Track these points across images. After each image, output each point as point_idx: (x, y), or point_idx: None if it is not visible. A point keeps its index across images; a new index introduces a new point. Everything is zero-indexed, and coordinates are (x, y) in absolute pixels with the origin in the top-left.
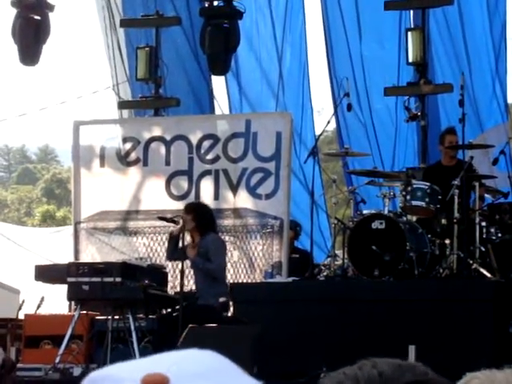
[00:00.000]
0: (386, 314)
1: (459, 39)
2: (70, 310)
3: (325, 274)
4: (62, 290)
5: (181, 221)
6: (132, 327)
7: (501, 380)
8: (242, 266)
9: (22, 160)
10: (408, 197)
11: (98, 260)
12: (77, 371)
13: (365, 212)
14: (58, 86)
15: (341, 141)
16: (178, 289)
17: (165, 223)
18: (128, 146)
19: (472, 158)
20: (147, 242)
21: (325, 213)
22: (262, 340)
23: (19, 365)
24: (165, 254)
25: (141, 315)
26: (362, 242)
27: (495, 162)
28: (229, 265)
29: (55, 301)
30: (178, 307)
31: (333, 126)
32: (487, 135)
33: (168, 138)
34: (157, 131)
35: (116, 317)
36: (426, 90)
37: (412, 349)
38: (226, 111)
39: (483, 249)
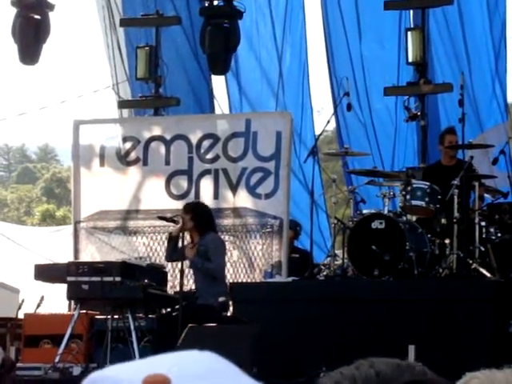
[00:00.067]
0: (385, 314)
1: (459, 39)
2: (69, 310)
3: (324, 273)
4: (61, 289)
5: (180, 221)
6: (132, 327)
7: (500, 380)
8: (242, 265)
9: (21, 159)
10: (408, 196)
11: (98, 259)
12: (76, 371)
13: (364, 212)
14: (58, 85)
15: (340, 140)
16: (178, 288)
17: (164, 223)
18: (128, 145)
19: (472, 157)
20: (147, 241)
21: (324, 212)
22: (261, 340)
23: (19, 364)
24: (164, 254)
25: (140, 315)
26: (361, 242)
27: (495, 161)
28: (228, 264)
29: (55, 300)
30: (177, 307)
31: (333, 125)
32: (487, 135)
33: (168, 137)
34: (157, 131)
35: (116, 316)
36: (426, 89)
37: (412, 348)
38: (226, 111)
39: (483, 249)
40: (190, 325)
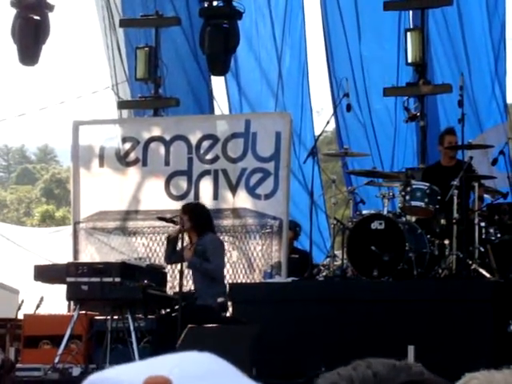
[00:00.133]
0: (385, 315)
1: (458, 40)
2: (69, 310)
3: (324, 274)
4: (61, 290)
5: (177, 222)
6: (131, 327)
7: (499, 380)
8: (241, 266)
9: (21, 160)
10: (407, 197)
11: (97, 260)
12: (76, 371)
13: (364, 212)
14: (58, 86)
15: (340, 141)
16: (178, 289)
17: (164, 223)
18: (127, 146)
19: (471, 158)
20: (146, 242)
21: (324, 213)
22: (260, 340)
23: (18, 365)
24: (163, 256)
25: (140, 315)
26: (361, 243)
27: (494, 162)
28: (228, 265)
29: (54, 301)
30: (176, 307)
31: (332, 126)
32: (486, 135)
33: (167, 138)
34: (156, 131)
35: (115, 317)
36: (425, 90)
37: (411, 349)
38: (226, 111)
39: (482, 249)
40: (189, 325)
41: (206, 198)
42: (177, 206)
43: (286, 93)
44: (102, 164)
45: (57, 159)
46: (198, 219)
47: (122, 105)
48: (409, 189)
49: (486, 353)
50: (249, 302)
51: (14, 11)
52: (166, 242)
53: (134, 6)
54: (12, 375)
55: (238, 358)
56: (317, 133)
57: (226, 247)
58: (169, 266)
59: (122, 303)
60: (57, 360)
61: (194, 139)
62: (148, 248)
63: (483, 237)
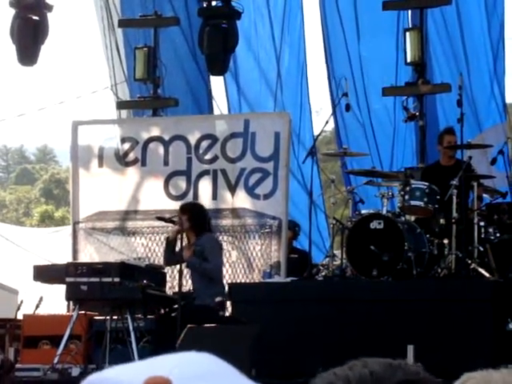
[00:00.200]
0: (384, 314)
1: (457, 39)
2: (68, 311)
3: (323, 274)
4: (60, 290)
5: (177, 222)
6: (130, 327)
7: (497, 380)
8: (241, 266)
9: (20, 160)
10: (406, 197)
11: (97, 260)
12: (75, 371)
13: (363, 212)
14: (57, 86)
15: (339, 141)
16: (177, 289)
17: (163, 223)
18: (126, 146)
19: (470, 157)
20: (145, 242)
21: (323, 213)
22: (260, 340)
23: (18, 365)
24: (163, 257)
25: (139, 315)
26: (360, 242)
27: (493, 161)
28: (227, 265)
29: (54, 301)
30: (175, 306)
31: (331, 126)
32: (485, 135)
33: (166, 138)
34: (155, 131)
35: (114, 317)
36: (424, 89)
37: (410, 349)
38: (225, 111)
39: (482, 249)
40: (189, 325)
41: (205, 197)
42: (176, 206)
43: (284, 93)
44: (101, 164)
45: (56, 159)
46: (197, 219)
47: (121, 105)
48: (408, 188)
49: (485, 352)
50: (248, 302)
51: (12, 11)
52: (164, 244)
53: (132, 6)
54: (11, 375)
55: (238, 357)
56: (316, 132)
57: (226, 247)
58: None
59: (121, 303)
60: (56, 360)
61: (192, 139)
62: (147, 248)
63: (482, 236)
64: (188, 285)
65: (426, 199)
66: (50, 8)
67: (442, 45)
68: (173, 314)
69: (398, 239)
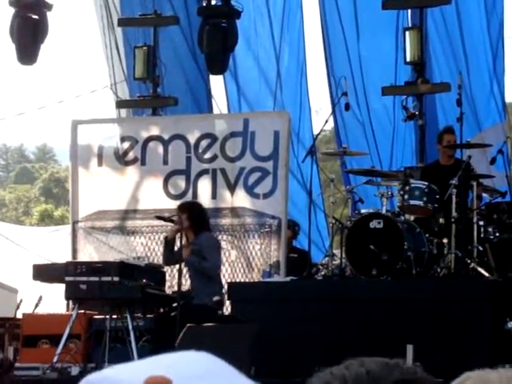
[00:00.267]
0: (383, 314)
1: (457, 38)
2: (67, 310)
3: (323, 273)
4: (59, 289)
5: (176, 221)
6: (130, 326)
7: (495, 380)
8: (240, 265)
9: (20, 159)
10: (406, 196)
11: (96, 259)
12: (75, 370)
13: (363, 211)
14: (56, 85)
15: (339, 140)
16: (176, 288)
17: (162, 222)
18: (126, 145)
19: (470, 157)
20: (145, 241)
21: (323, 212)
22: (259, 339)
23: (17, 364)
24: (162, 254)
25: (138, 314)
26: (359, 242)
27: (493, 161)
28: (226, 264)
29: (53, 300)
30: (175, 305)
31: (331, 125)
32: (485, 134)
33: (166, 137)
34: (155, 130)
35: (114, 316)
36: (424, 89)
37: (410, 348)
38: (224, 110)
39: (481, 248)
40: (188, 324)
41: (205, 197)
42: (175, 205)
43: (284, 92)
44: (100, 163)
45: (55, 158)
46: (196, 218)
47: (121, 104)
48: (407, 188)
49: (484, 352)
50: (247, 301)
51: (12, 10)
52: (163, 244)
53: (132, 5)
54: (11, 374)
55: (237, 356)
56: (315, 132)
57: (225, 246)
58: None
59: (120, 302)
60: (55, 359)
61: (192, 138)
62: (146, 247)
63: (482, 236)
64: (187, 284)
65: (425, 199)
66: (49, 7)
67: (441, 44)
68: (172, 314)
69: (398, 239)
